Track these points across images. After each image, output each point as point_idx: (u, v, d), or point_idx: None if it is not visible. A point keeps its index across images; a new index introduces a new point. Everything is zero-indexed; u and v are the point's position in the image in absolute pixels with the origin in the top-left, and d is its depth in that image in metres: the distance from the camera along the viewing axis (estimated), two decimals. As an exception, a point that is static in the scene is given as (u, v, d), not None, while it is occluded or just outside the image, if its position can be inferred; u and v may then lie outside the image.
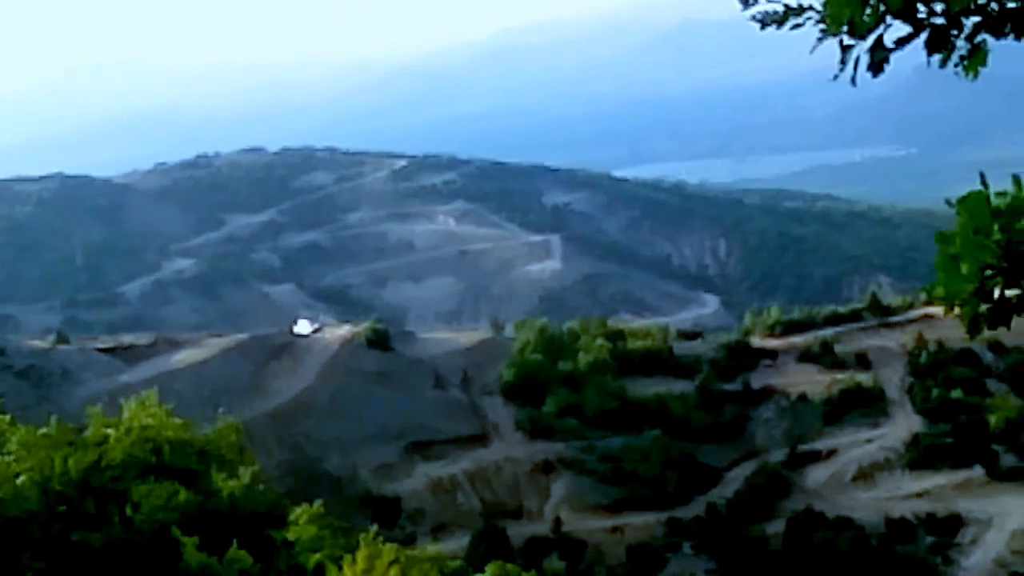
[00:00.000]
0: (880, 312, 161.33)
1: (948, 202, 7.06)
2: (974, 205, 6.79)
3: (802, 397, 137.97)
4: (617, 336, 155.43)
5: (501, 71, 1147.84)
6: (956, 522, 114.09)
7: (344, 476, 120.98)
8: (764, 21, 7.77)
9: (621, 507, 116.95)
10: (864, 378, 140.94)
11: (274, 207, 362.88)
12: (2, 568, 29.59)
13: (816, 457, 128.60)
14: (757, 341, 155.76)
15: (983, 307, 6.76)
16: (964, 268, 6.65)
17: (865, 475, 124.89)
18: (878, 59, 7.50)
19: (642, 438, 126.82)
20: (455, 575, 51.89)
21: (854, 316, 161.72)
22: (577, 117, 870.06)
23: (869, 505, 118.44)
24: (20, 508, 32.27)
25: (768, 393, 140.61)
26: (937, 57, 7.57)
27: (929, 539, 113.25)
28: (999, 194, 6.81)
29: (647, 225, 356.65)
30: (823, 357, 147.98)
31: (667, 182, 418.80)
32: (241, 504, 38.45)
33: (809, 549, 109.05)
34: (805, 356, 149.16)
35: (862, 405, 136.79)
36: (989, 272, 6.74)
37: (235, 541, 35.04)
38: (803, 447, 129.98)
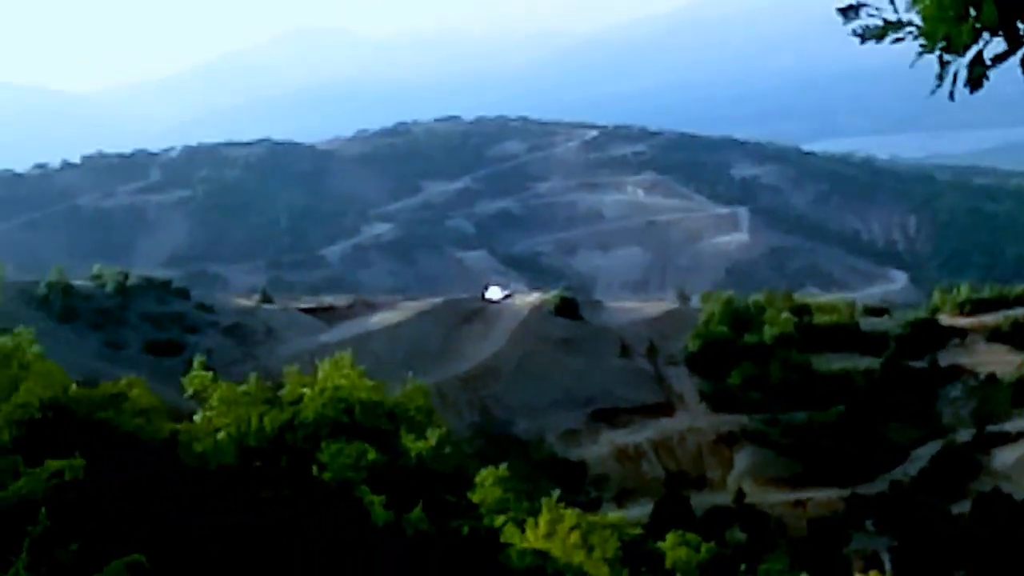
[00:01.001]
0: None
1: None
2: None
3: (991, 377, 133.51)
4: (803, 310, 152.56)
5: (690, 43, 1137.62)
6: None
7: (531, 440, 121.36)
8: (864, 35, 7.44)
9: (803, 481, 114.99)
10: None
11: (468, 175, 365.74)
12: (200, 519, 29.88)
13: (1005, 439, 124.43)
14: (946, 319, 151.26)
15: None
16: None
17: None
18: (976, 75, 7.07)
19: (826, 413, 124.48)
20: (635, 542, 51.34)
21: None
22: (765, 90, 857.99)
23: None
24: (218, 462, 32.65)
25: (956, 372, 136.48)
26: None
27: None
28: None
29: (835, 199, 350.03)
30: (1014, 337, 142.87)
31: (856, 157, 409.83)
32: (428, 465, 38.31)
33: (996, 531, 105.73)
34: (995, 335, 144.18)
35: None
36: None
37: (420, 503, 34.92)
38: (991, 428, 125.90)
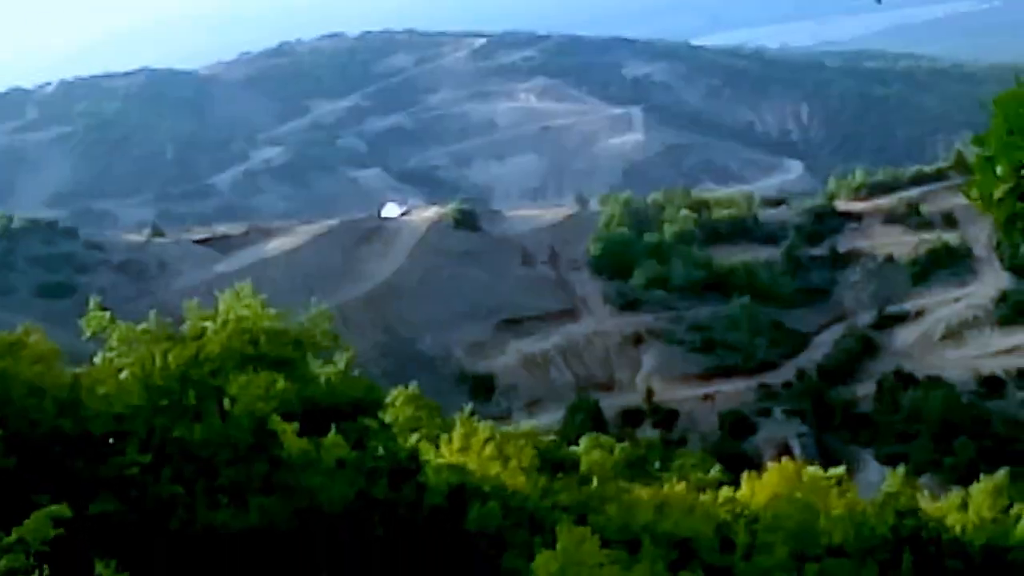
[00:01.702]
0: (966, 170, 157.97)
1: (982, 104, 6.96)
2: (1009, 106, 6.66)
3: (889, 259, 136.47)
4: (702, 206, 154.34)
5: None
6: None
7: (438, 355, 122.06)
8: None
9: (711, 375, 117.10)
10: (951, 237, 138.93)
11: (357, 92, 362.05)
12: (109, 462, 30.07)
13: (904, 318, 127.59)
14: (842, 205, 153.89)
15: (1020, 205, 6.69)
16: (999, 169, 6.59)
17: (954, 334, 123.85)
18: None
19: (730, 306, 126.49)
20: (550, 449, 52.17)
21: (939, 175, 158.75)
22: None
23: (958, 363, 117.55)
24: (124, 403, 32.64)
25: (855, 256, 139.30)
26: None
27: (1020, 394, 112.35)
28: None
29: (728, 93, 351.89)
30: (909, 218, 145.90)
31: (747, 48, 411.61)
32: (338, 390, 38.60)
33: (900, 409, 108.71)
34: (891, 217, 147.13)
35: (949, 264, 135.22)
36: (1025, 171, 6.64)
37: (333, 427, 35.29)
38: (891, 308, 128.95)
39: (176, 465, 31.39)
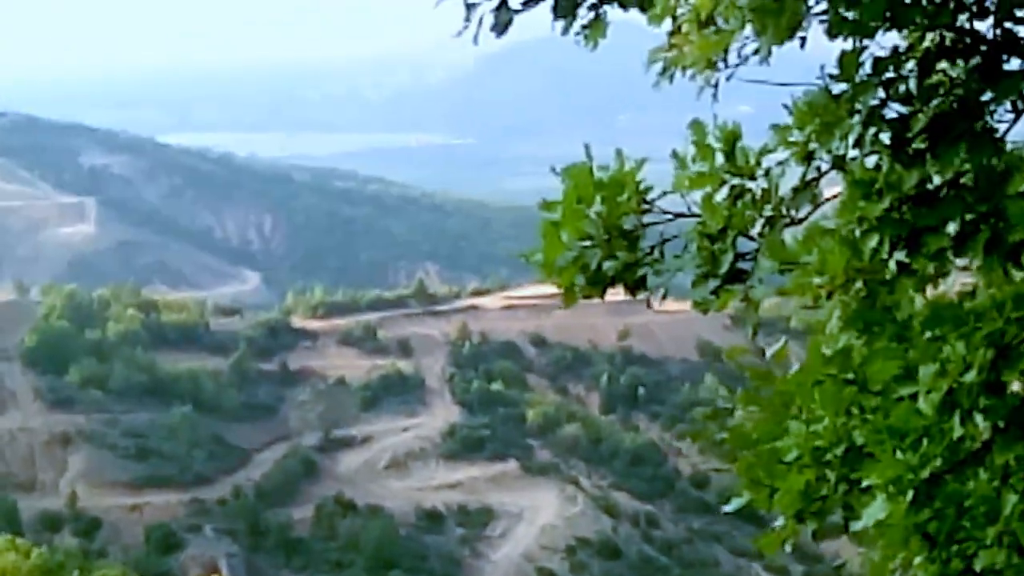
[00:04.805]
0: (426, 299, 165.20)
1: (553, 169, 7.40)
2: (579, 174, 7.02)
3: (340, 381, 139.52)
4: (150, 307, 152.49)
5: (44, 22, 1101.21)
6: (487, 515, 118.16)
7: None
8: None
9: (143, 485, 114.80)
10: (405, 365, 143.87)
11: None
12: None
13: (351, 443, 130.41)
14: (298, 321, 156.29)
15: (580, 277, 7.10)
16: (565, 236, 6.95)
17: (399, 464, 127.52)
18: (503, 20, 7.65)
19: (170, 414, 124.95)
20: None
21: (399, 302, 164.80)
22: (121, 76, 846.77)
23: (401, 494, 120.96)
24: None
25: (305, 375, 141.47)
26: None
27: (459, 531, 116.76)
28: (602, 167, 7.05)
29: (190, 195, 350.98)
30: (365, 341, 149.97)
31: (214, 152, 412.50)
32: None
33: (336, 536, 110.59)
34: (347, 339, 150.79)
35: (401, 392, 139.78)
36: (589, 243, 6.96)
37: None
38: (338, 432, 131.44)
39: None
